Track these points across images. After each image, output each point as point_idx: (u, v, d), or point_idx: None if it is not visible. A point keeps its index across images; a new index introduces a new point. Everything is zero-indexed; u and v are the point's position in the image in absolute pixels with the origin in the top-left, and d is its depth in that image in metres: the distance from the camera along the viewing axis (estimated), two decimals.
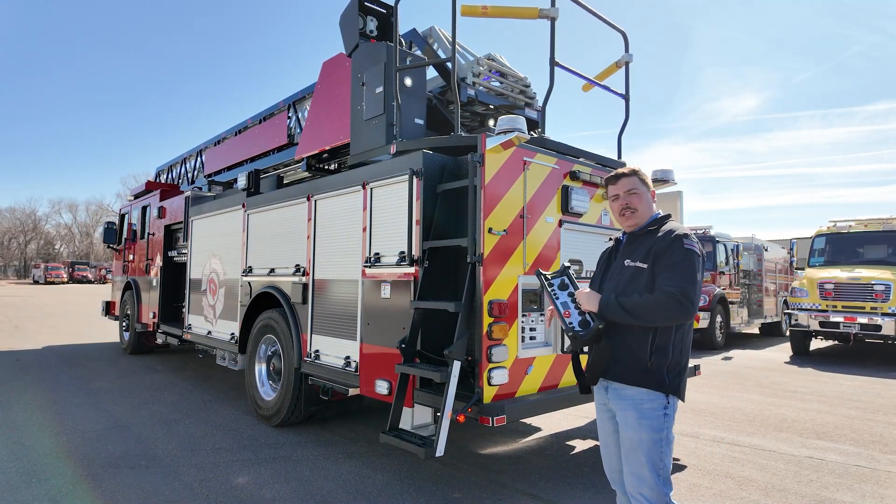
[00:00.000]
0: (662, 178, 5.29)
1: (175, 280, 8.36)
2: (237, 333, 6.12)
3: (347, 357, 4.49)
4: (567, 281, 2.53)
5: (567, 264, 2.62)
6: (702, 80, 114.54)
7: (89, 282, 54.80)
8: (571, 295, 2.48)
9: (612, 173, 2.65)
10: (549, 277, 2.58)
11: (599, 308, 2.37)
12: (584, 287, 2.51)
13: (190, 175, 9.75)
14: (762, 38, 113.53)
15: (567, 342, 2.50)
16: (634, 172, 2.59)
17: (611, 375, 2.45)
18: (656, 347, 2.34)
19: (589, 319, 2.39)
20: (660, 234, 2.42)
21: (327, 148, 5.36)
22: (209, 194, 7.99)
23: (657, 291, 2.29)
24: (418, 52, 5.44)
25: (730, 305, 12.72)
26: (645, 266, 2.38)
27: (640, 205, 2.53)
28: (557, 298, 2.50)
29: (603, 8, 4.78)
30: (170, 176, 10.83)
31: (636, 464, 2.33)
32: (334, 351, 4.69)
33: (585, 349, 2.53)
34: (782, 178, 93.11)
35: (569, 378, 4.22)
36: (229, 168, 7.95)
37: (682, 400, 2.42)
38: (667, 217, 2.56)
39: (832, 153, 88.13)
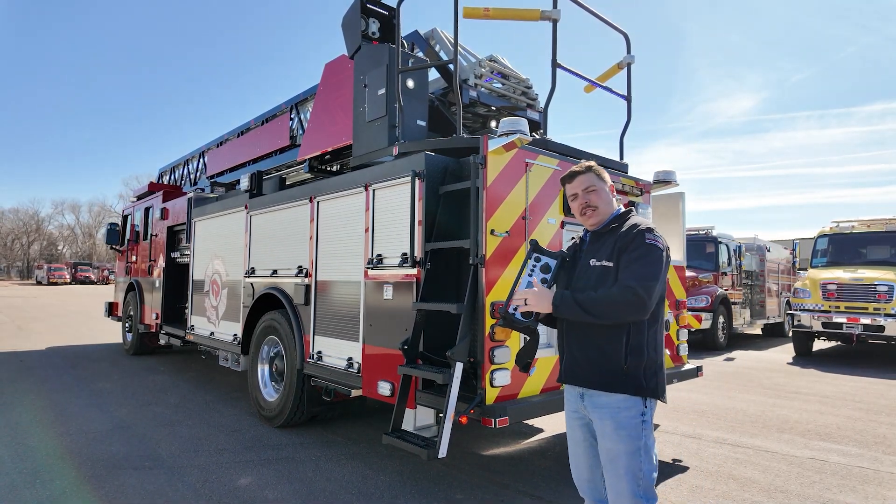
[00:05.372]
0: (664, 180, 5.30)
1: (178, 281, 8.36)
2: (240, 335, 6.13)
3: (350, 358, 4.50)
4: (551, 270, 2.40)
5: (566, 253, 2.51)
6: (698, 81, 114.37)
7: (92, 282, 54.87)
8: (544, 281, 2.37)
9: (567, 172, 2.54)
10: (542, 255, 2.43)
11: (553, 307, 2.25)
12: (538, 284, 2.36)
13: (192, 176, 9.77)
14: (757, 39, 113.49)
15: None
16: (590, 169, 2.48)
17: (584, 382, 2.33)
18: (631, 348, 2.22)
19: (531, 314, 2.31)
20: (623, 230, 2.34)
21: (329, 149, 5.37)
22: (212, 196, 8.00)
23: (615, 285, 2.20)
24: (420, 54, 5.45)
25: (732, 306, 12.68)
26: (611, 264, 2.29)
27: (600, 202, 2.44)
28: (530, 275, 2.38)
29: (599, 10, 4.78)
30: (172, 177, 10.86)
31: (614, 477, 2.23)
32: (337, 352, 4.70)
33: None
34: (781, 179, 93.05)
35: None
36: (232, 169, 7.97)
37: (664, 401, 2.32)
38: (629, 212, 2.48)
39: (830, 154, 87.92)
